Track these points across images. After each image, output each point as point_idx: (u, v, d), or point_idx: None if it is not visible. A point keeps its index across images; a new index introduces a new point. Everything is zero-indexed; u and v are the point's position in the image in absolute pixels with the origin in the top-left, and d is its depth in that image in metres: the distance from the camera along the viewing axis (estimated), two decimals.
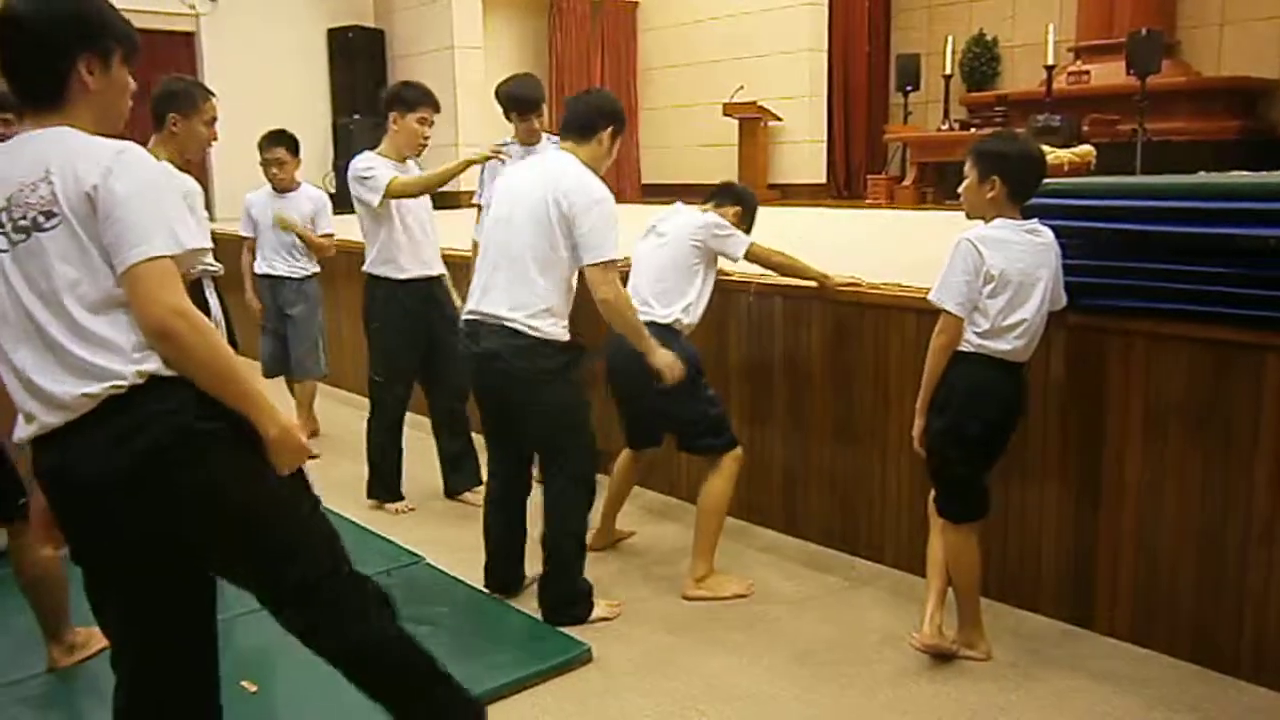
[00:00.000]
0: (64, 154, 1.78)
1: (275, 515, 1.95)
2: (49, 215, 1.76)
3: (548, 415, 3.29)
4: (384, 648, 2.12)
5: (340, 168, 10.75)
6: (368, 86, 11.28)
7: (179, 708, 2.02)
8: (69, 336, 1.77)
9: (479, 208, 4.68)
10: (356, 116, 10.77)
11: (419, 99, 4.24)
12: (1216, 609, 2.94)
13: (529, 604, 3.42)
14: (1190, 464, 2.95)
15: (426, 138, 4.31)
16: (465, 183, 5.06)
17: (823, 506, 3.94)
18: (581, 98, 3.43)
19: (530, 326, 3.16)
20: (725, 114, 10.88)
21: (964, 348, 2.89)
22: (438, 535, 4.01)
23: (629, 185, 12.00)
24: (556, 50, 11.94)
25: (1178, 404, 2.96)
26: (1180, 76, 8.97)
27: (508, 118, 4.58)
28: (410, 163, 4.38)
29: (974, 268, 2.84)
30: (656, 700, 2.87)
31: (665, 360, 3.32)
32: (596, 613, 3.31)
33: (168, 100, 3.56)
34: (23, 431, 1.85)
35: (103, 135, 1.86)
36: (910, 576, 3.63)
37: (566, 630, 3.20)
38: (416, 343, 4.36)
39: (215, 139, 3.70)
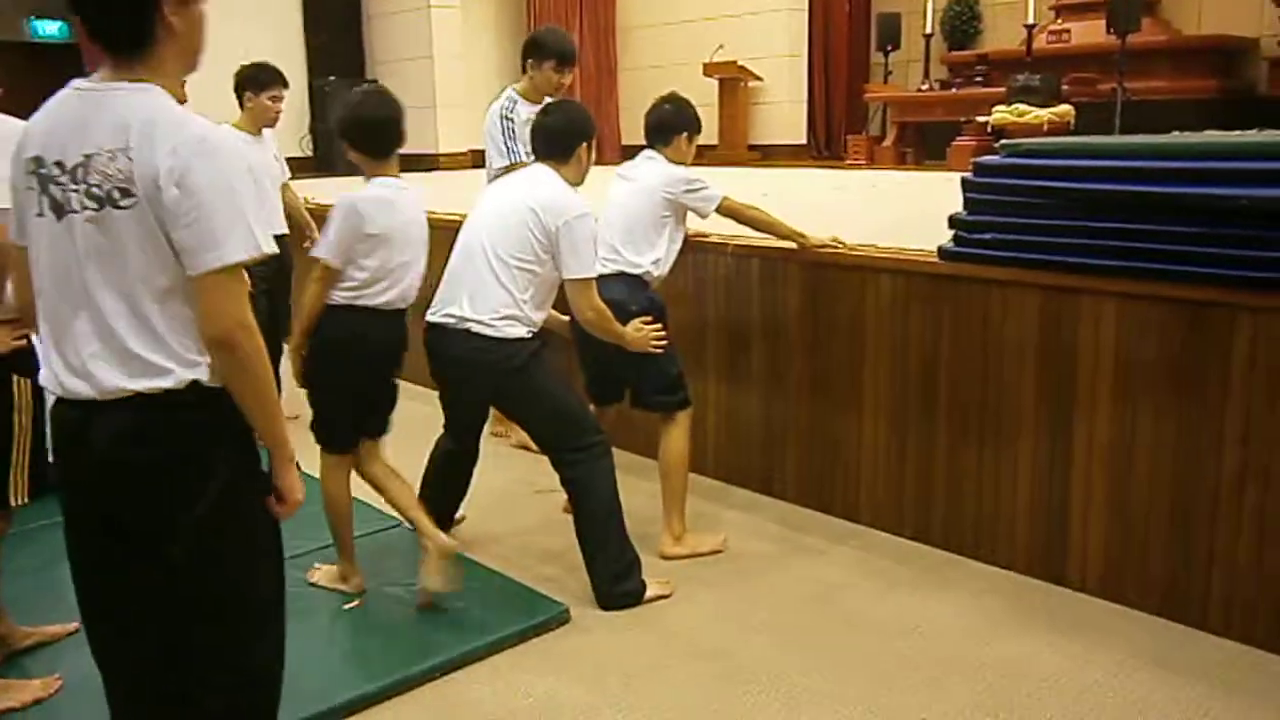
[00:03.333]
0: (145, 127, 1.67)
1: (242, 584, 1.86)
2: (125, 193, 1.67)
3: (531, 405, 3.29)
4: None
5: (316, 130, 10.65)
6: (343, 48, 11.15)
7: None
8: (130, 328, 1.71)
9: (518, 166, 4.36)
10: (332, 78, 10.64)
11: (271, 79, 4.80)
12: (1186, 564, 2.98)
13: (508, 565, 3.44)
14: (1161, 421, 2.98)
15: (278, 113, 4.85)
16: (470, 142, 5.00)
17: (799, 467, 3.97)
18: (556, 114, 3.39)
19: (490, 326, 3.14)
20: (705, 74, 10.79)
21: (337, 300, 3.02)
22: None
23: (609, 146, 11.92)
24: (535, 9, 11.80)
25: (1149, 363, 2.98)
26: (1160, 35, 8.95)
27: (524, 67, 4.44)
28: (266, 133, 4.85)
29: (354, 227, 2.99)
30: (633, 657, 2.90)
31: (635, 338, 3.38)
32: (651, 592, 3.22)
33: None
34: (49, 382, 1.82)
35: (185, 75, 1.81)
36: (885, 535, 3.67)
37: (546, 591, 3.22)
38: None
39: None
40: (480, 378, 3.22)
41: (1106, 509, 3.13)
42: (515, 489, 4.18)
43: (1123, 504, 3.09)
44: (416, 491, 3.67)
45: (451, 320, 3.19)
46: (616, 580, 3.19)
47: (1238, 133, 3.53)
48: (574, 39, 4.63)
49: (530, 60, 4.42)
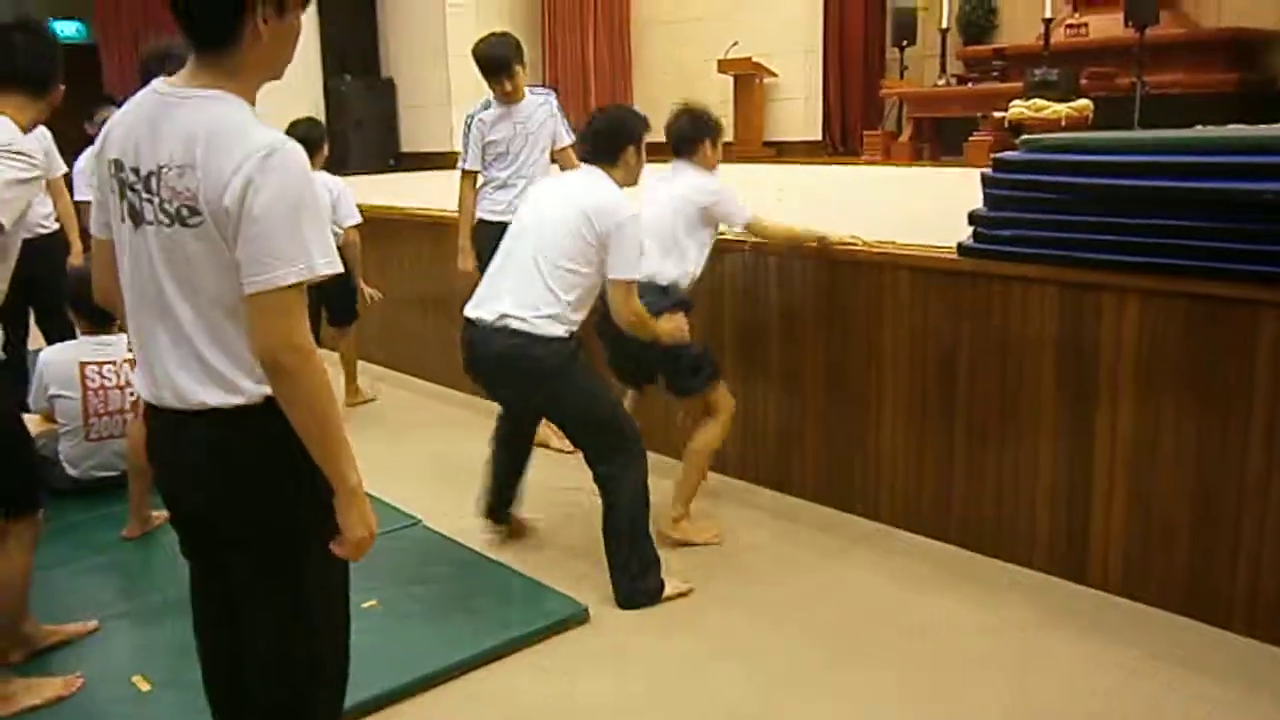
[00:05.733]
0: (209, 140, 1.66)
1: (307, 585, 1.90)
2: (193, 211, 1.67)
3: (570, 407, 3.29)
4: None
5: (332, 129, 10.67)
6: (358, 46, 11.17)
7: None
8: (207, 341, 1.73)
9: (465, 173, 4.58)
10: (348, 77, 10.68)
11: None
12: (1210, 562, 2.95)
13: (527, 564, 3.44)
14: (1184, 419, 2.95)
15: None
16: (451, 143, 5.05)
17: (817, 465, 3.95)
18: (602, 118, 3.40)
19: (529, 323, 3.13)
20: (720, 71, 10.76)
21: None
22: (433, 500, 4.03)
23: None
24: (549, 6, 11.79)
25: (1171, 359, 2.95)
26: (1179, 28, 8.86)
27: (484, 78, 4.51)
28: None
29: None
30: (652, 659, 2.90)
31: (667, 330, 3.36)
32: (669, 590, 3.22)
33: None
34: (142, 389, 1.86)
35: (266, 81, 1.79)
36: (904, 533, 3.65)
37: (565, 590, 3.22)
38: None
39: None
40: (518, 377, 3.22)
41: (1128, 507, 3.10)
42: (534, 488, 4.15)
43: (1145, 502, 3.07)
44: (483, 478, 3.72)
45: (491, 316, 3.18)
46: (636, 579, 3.19)
47: (1262, 126, 3.49)
48: (499, 42, 4.48)
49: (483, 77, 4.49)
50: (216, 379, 1.74)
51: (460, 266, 4.56)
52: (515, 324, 3.14)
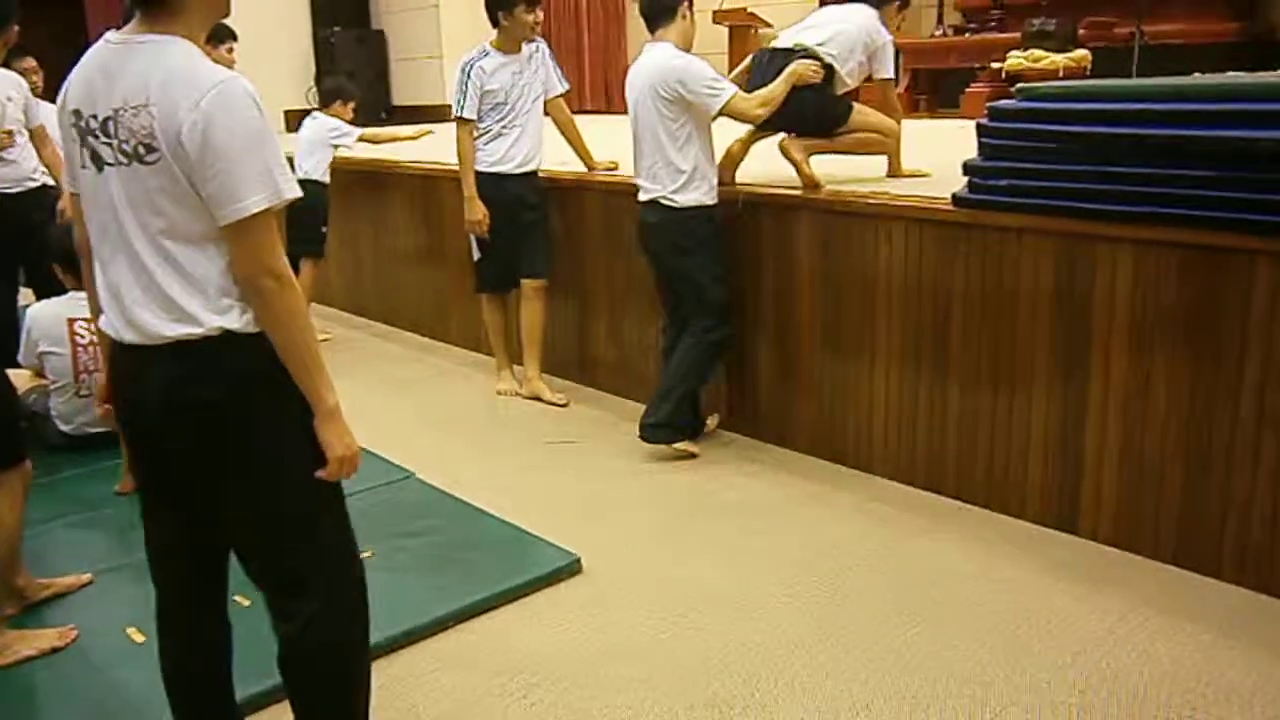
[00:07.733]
0: (163, 80, 1.71)
1: (303, 495, 1.90)
2: (150, 149, 1.72)
3: (691, 281, 3.83)
4: (350, 664, 2.06)
5: (322, 81, 10.55)
6: None
7: (198, 620, 2.12)
8: (166, 274, 1.77)
9: (462, 121, 4.48)
10: (338, 29, 10.53)
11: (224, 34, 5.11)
12: (1200, 512, 2.96)
13: (519, 515, 3.44)
14: (1178, 369, 2.95)
15: (232, 63, 4.92)
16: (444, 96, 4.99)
17: (811, 417, 3.95)
18: None
19: (671, 198, 3.76)
20: (715, 21, 10.62)
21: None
22: (426, 453, 4.03)
23: (619, 95, 11.78)
24: None
25: (1166, 309, 2.94)
26: None
27: (494, 21, 4.42)
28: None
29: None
30: (644, 609, 2.91)
31: (800, 74, 3.85)
32: (679, 445, 3.91)
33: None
34: (109, 328, 1.88)
35: (213, 21, 1.87)
36: (897, 485, 3.66)
37: (557, 541, 3.23)
38: None
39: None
40: (667, 239, 3.82)
41: (1121, 457, 3.11)
42: (527, 440, 4.18)
43: (1137, 452, 3.07)
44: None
45: (647, 194, 3.84)
46: (663, 420, 3.84)
47: (1261, 74, 3.45)
48: None
49: (500, 12, 4.40)
50: (175, 311, 1.78)
51: (468, 216, 4.50)
52: (665, 200, 3.77)
